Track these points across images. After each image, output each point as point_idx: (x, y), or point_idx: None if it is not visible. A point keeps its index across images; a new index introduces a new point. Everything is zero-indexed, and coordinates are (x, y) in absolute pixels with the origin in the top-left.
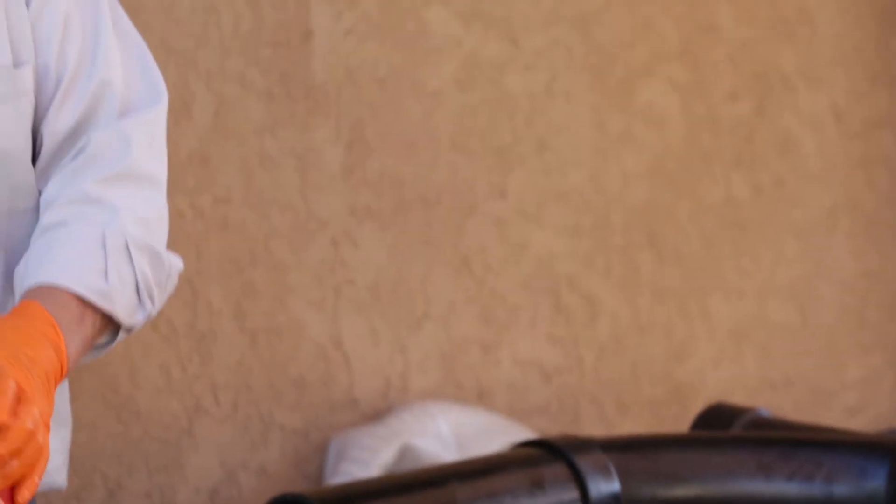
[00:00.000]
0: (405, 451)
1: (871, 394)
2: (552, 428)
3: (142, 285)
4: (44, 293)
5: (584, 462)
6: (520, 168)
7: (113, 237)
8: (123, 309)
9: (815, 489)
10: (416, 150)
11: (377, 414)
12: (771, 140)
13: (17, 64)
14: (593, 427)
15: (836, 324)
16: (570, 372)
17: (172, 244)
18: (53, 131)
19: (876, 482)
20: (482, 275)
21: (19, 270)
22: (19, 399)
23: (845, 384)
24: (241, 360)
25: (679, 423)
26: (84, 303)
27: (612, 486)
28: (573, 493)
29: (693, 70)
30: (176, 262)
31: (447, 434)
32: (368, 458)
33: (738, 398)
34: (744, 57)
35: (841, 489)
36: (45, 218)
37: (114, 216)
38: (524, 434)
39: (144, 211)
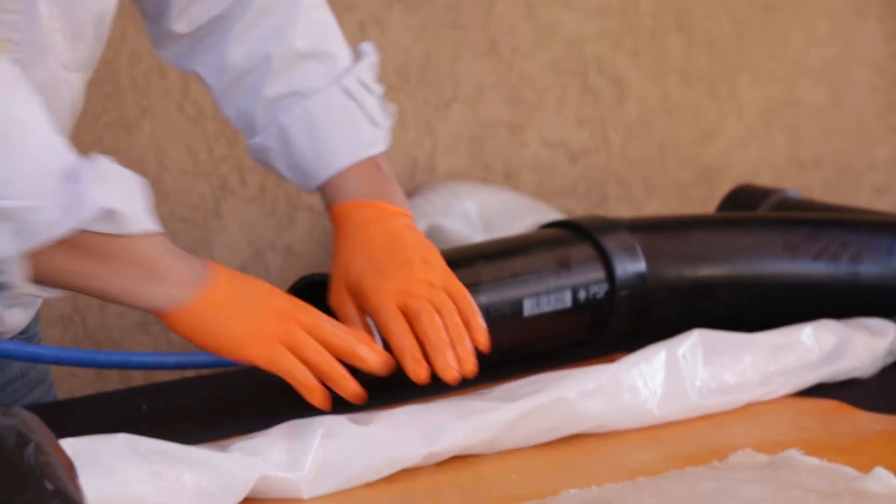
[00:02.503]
0: (432, 231)
1: None
2: (579, 209)
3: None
4: (351, 180)
5: (610, 242)
6: None
7: (349, 85)
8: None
9: (841, 268)
10: None
11: (405, 194)
12: None
13: None
14: (620, 208)
15: (865, 105)
16: (598, 153)
17: None
18: None
19: None
20: (510, 57)
21: (293, 164)
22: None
23: (874, 164)
24: None
25: (706, 204)
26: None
27: (639, 266)
28: (599, 273)
29: None
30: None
31: (474, 214)
32: None
33: (765, 179)
34: None
35: (867, 268)
36: (271, 88)
37: (333, 64)
38: (551, 215)
39: (332, 30)
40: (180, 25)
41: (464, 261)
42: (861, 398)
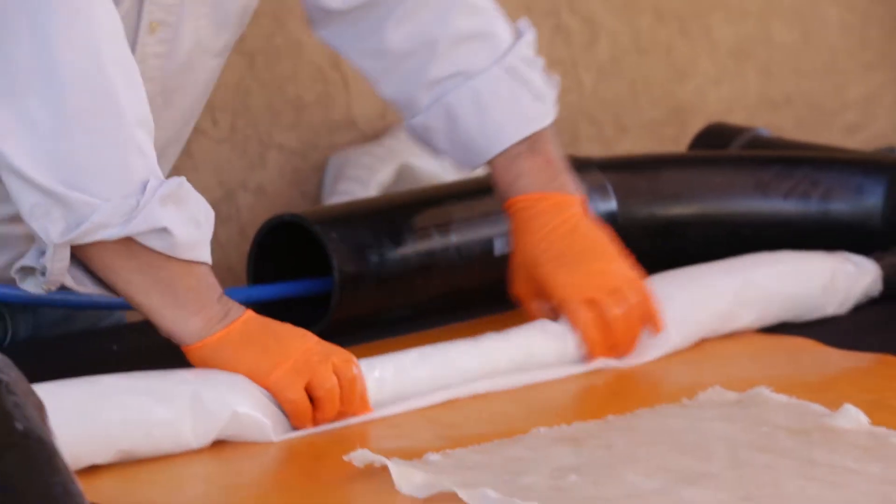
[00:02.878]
0: (403, 171)
1: (870, 112)
2: None
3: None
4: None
5: (582, 182)
6: None
7: (513, 63)
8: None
9: (812, 206)
10: None
11: (375, 134)
12: None
13: None
14: (592, 147)
15: (838, 43)
16: (569, 92)
17: None
18: None
19: (873, 199)
20: None
21: (458, 141)
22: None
23: (846, 103)
24: (238, 82)
25: (678, 143)
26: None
27: (610, 205)
28: None
29: None
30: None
31: None
32: (366, 177)
33: (737, 118)
34: None
35: (837, 206)
36: (435, 70)
37: (496, 43)
38: None
39: (492, 8)
40: (335, 1)
41: (434, 200)
42: (830, 336)
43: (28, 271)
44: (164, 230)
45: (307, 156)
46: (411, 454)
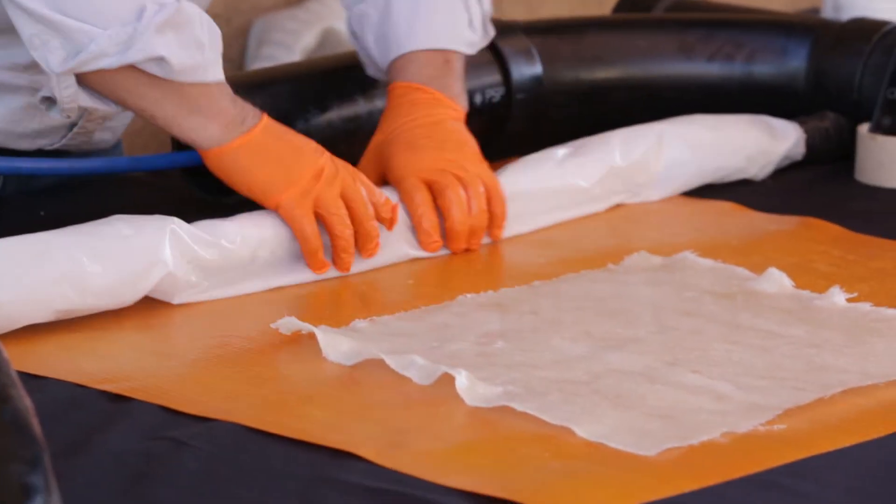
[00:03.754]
0: (328, 35)
1: None
2: None
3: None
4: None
5: (506, 46)
6: None
7: None
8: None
9: (736, 69)
10: None
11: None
12: None
13: None
14: (515, 10)
15: None
16: None
17: None
18: None
19: (796, 62)
20: None
21: (383, 33)
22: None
23: None
24: None
25: (602, 6)
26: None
27: (535, 68)
28: (495, 77)
29: None
30: None
31: None
32: (290, 41)
33: None
34: None
35: (760, 68)
36: None
37: None
38: None
39: None
40: None
41: (357, 65)
42: (754, 199)
43: (49, 101)
44: (162, 59)
45: (231, 21)
46: (338, 321)
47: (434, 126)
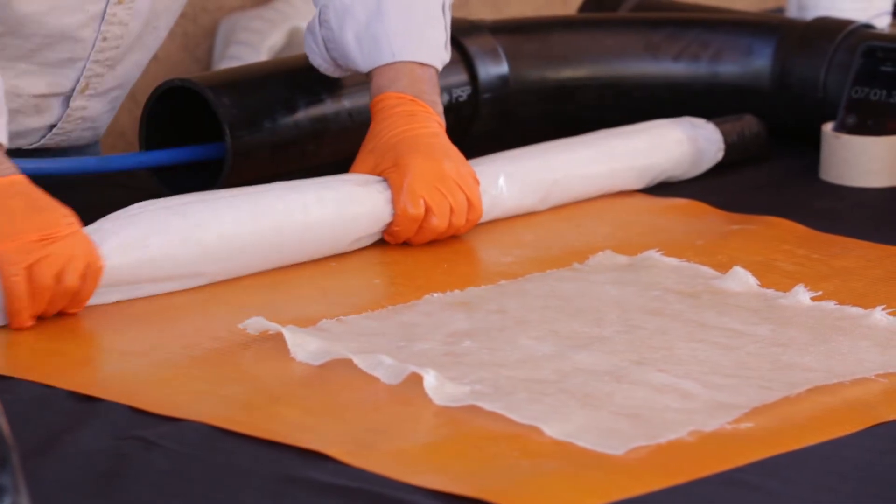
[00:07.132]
0: (294, 34)
1: None
2: None
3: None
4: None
5: (472, 45)
6: None
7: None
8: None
9: (702, 68)
10: None
11: None
12: None
13: None
14: (482, 10)
15: None
16: None
17: None
18: None
19: (762, 61)
20: None
21: (372, 35)
22: None
23: None
24: None
25: (568, 5)
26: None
27: (501, 68)
28: (462, 76)
29: None
30: None
31: None
32: (257, 41)
33: None
34: None
35: (726, 67)
36: None
37: None
38: None
39: None
40: None
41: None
42: (719, 198)
43: None
44: None
45: (198, 19)
46: (306, 321)
47: (434, 137)
